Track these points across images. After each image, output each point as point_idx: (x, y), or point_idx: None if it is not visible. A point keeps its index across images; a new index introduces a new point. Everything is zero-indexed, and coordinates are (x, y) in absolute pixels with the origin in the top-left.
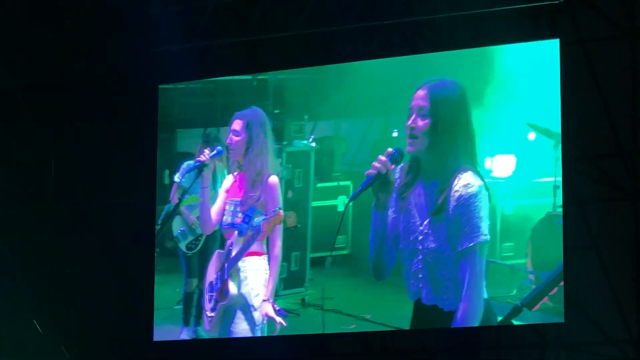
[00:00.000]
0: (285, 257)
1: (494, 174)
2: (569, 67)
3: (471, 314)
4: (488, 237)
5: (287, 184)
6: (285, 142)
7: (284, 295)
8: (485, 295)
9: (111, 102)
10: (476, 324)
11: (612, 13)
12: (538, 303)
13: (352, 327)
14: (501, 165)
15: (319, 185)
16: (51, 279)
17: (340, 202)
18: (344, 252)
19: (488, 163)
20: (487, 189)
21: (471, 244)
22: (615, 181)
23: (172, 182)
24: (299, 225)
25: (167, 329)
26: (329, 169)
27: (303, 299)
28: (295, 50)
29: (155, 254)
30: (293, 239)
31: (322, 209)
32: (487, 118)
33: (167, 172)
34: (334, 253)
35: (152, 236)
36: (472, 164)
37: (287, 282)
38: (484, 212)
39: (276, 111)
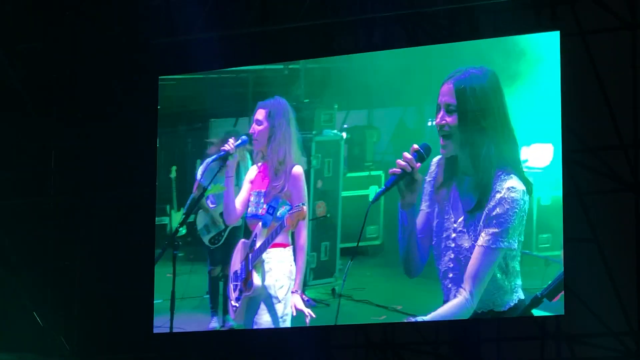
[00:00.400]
0: (315, 247)
1: (530, 164)
2: (569, 59)
3: (461, 306)
4: (515, 249)
5: (316, 174)
6: (314, 132)
7: (314, 285)
8: (522, 296)
9: (111, 94)
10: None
11: (613, 5)
12: (558, 294)
13: (382, 317)
14: (538, 155)
15: (350, 175)
16: (51, 271)
17: (372, 192)
18: (376, 242)
19: (524, 152)
20: (528, 193)
21: (495, 247)
22: (615, 173)
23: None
24: (328, 215)
25: (197, 317)
26: (360, 158)
27: (333, 289)
28: (300, 40)
29: (182, 244)
30: (323, 228)
31: (353, 199)
32: (523, 107)
33: (198, 161)
34: (365, 244)
35: (152, 227)
36: (513, 160)
37: (316, 272)
38: (518, 219)
39: (306, 100)
